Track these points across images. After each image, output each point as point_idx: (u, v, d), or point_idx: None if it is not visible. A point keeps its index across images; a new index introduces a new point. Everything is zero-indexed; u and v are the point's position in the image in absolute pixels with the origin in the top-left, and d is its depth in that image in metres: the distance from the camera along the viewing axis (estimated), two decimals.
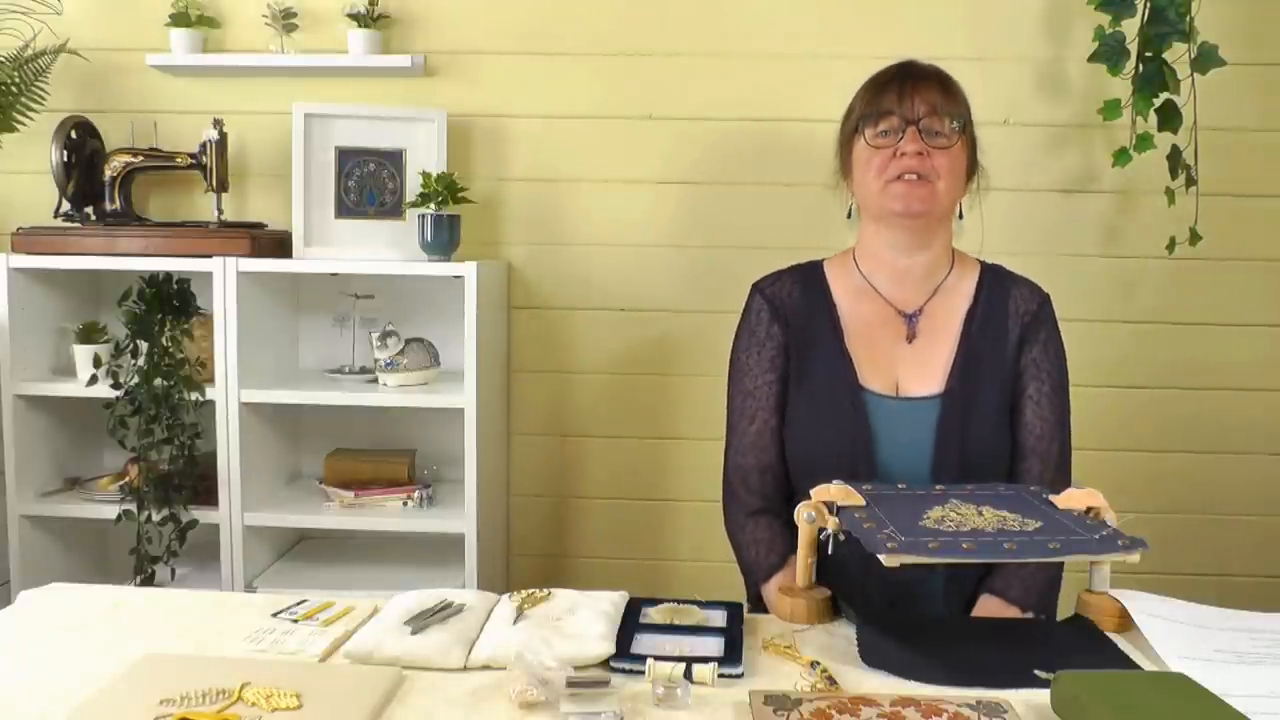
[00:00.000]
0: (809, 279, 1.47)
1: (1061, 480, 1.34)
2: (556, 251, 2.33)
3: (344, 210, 2.20)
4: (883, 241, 1.42)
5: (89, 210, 2.21)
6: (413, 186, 2.15)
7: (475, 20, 2.28)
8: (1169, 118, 2.08)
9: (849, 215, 1.46)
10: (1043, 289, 1.46)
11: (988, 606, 1.32)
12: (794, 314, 1.44)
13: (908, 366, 1.39)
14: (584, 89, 2.29)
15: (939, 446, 1.33)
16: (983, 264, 1.47)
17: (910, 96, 1.34)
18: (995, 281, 1.44)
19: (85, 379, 2.06)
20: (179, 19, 2.23)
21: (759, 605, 1.39)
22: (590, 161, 2.30)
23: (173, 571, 2.06)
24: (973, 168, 1.42)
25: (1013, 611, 1.31)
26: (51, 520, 2.14)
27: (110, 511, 2.05)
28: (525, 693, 0.91)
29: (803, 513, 1.14)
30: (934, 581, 1.35)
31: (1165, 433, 2.29)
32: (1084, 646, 1.05)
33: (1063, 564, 1.32)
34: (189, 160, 2.22)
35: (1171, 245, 2.14)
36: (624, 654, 1.01)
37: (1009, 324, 1.41)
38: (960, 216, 1.42)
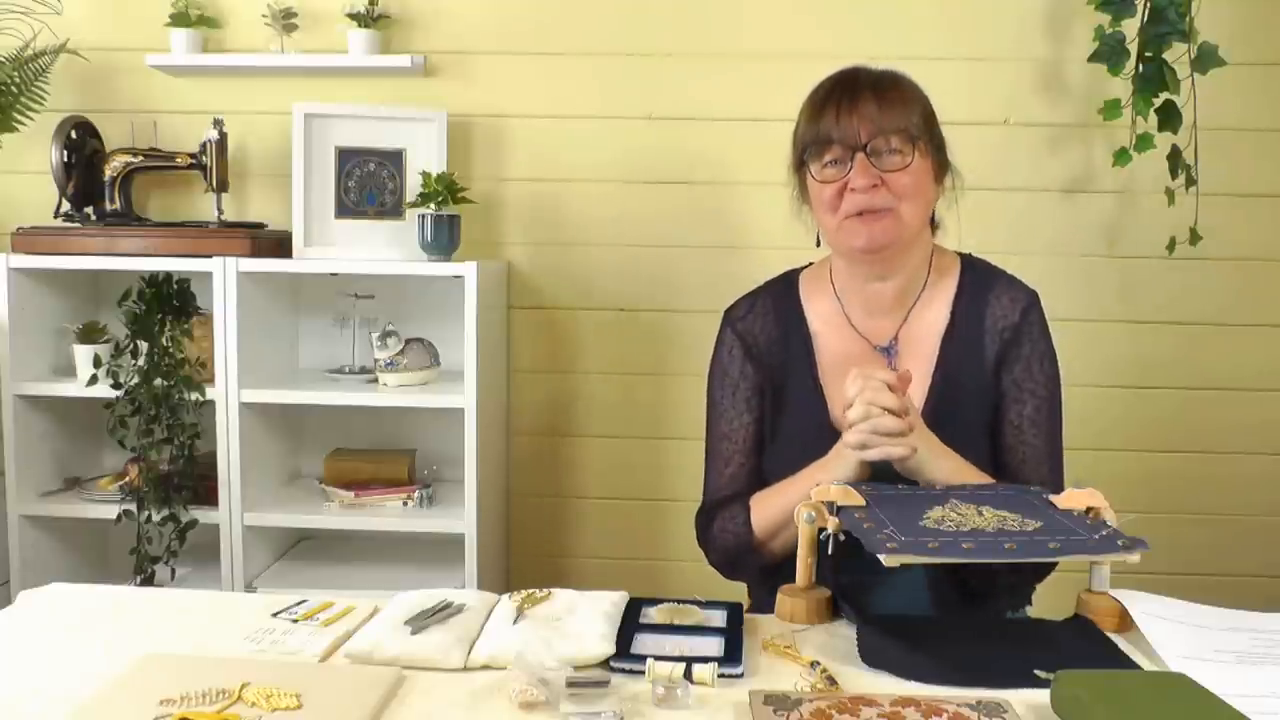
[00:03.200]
0: (784, 305, 1.40)
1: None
2: (556, 251, 2.33)
3: (344, 210, 2.20)
4: (851, 272, 1.35)
5: (89, 210, 2.21)
6: (413, 186, 2.15)
7: (475, 20, 2.29)
8: (1169, 118, 2.08)
9: (818, 243, 1.38)
10: (1028, 289, 1.36)
11: None
12: (768, 350, 1.38)
13: None
14: (584, 89, 2.29)
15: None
16: (962, 263, 1.38)
17: (849, 117, 1.24)
18: (974, 290, 1.35)
19: (85, 379, 2.06)
20: (179, 19, 2.24)
21: (761, 606, 1.38)
22: (590, 161, 2.30)
23: (173, 571, 2.06)
24: (941, 170, 1.32)
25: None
26: (51, 520, 2.15)
27: (110, 511, 2.06)
28: (525, 693, 0.91)
29: (803, 513, 1.14)
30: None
31: (1165, 432, 2.29)
32: (1084, 646, 1.05)
33: None
34: (189, 160, 2.22)
35: (1171, 245, 2.14)
36: (624, 654, 1.01)
37: (985, 341, 1.32)
38: (935, 224, 1.35)
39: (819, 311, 1.39)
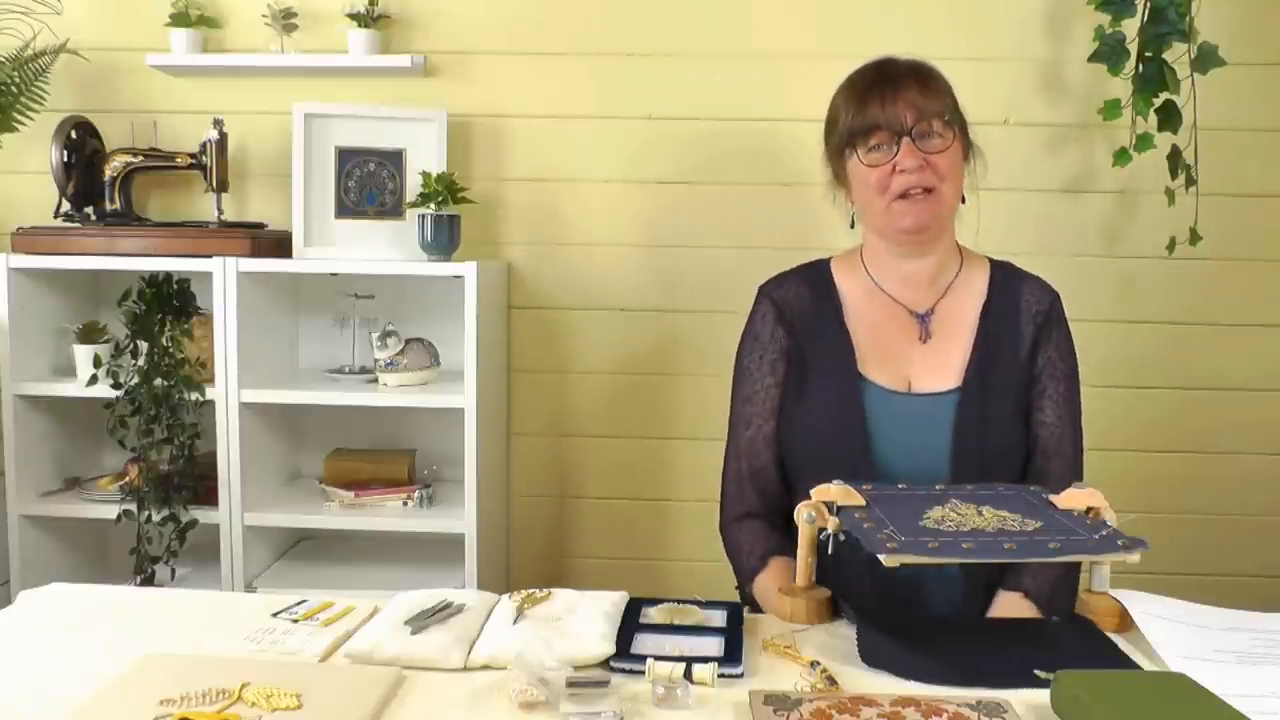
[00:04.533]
0: (816, 279, 1.46)
1: (1079, 479, 1.35)
2: (556, 251, 2.33)
3: (344, 210, 2.20)
4: (888, 250, 1.41)
5: (89, 210, 2.21)
6: (413, 186, 2.15)
7: (475, 20, 2.28)
8: (1169, 118, 2.08)
9: (851, 225, 1.44)
10: (1052, 286, 1.44)
11: (1003, 603, 1.30)
12: (800, 315, 1.43)
13: (920, 365, 1.37)
14: (584, 89, 2.29)
15: (958, 442, 1.31)
16: (992, 261, 1.46)
17: (894, 103, 1.31)
18: (1006, 279, 1.43)
19: (85, 379, 2.06)
20: (179, 19, 2.24)
21: (754, 605, 1.39)
22: (590, 161, 2.30)
23: (173, 571, 2.06)
24: (967, 151, 1.39)
25: (1027, 605, 1.28)
26: (51, 520, 2.14)
27: (110, 511, 2.05)
28: (525, 693, 0.91)
29: (803, 513, 1.14)
30: (951, 587, 1.33)
31: (1165, 432, 2.29)
32: (1084, 646, 1.05)
33: (1079, 563, 1.30)
34: (189, 160, 2.22)
35: (1171, 245, 2.14)
36: (624, 654, 1.01)
37: (1022, 322, 1.40)
38: (963, 201, 1.40)
39: (851, 285, 1.44)
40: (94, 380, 2.05)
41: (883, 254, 1.42)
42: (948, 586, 1.32)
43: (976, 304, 1.40)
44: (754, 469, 1.43)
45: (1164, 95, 2.06)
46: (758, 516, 1.43)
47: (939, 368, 1.37)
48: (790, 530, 1.36)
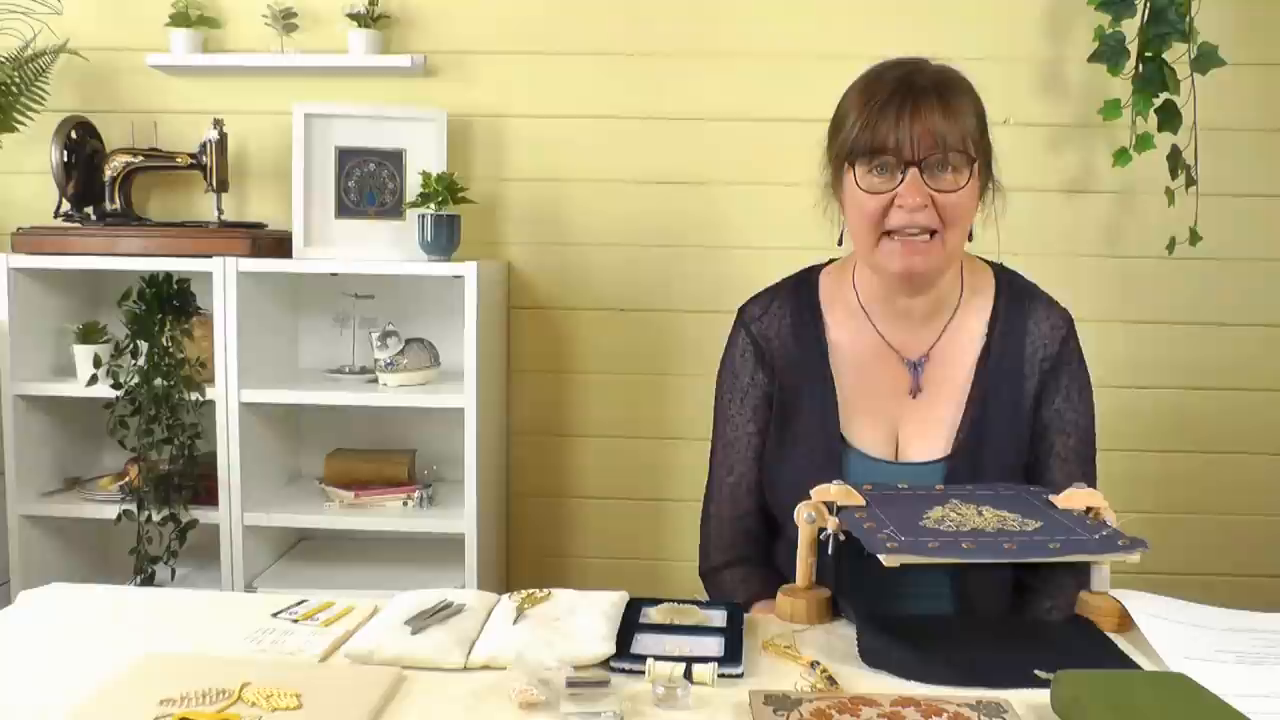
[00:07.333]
0: (802, 304, 1.34)
1: None
2: (556, 251, 2.33)
3: (344, 210, 2.20)
4: (879, 283, 1.28)
5: (89, 210, 2.21)
6: (413, 186, 2.15)
7: (475, 20, 2.29)
8: (1169, 118, 2.08)
9: (839, 242, 1.30)
10: (1065, 313, 1.32)
11: None
12: (783, 355, 1.32)
13: (910, 423, 1.28)
14: (584, 89, 2.29)
15: None
16: (997, 279, 1.33)
17: (910, 126, 1.14)
18: (1010, 313, 1.29)
19: (85, 379, 2.06)
20: (179, 19, 2.24)
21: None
22: (590, 161, 2.30)
23: (173, 571, 2.06)
24: (986, 182, 1.25)
25: None
26: (51, 520, 2.15)
27: (110, 511, 2.06)
28: (525, 693, 0.91)
29: (803, 513, 1.14)
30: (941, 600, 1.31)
31: (1165, 432, 2.29)
32: (1084, 646, 1.05)
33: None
34: (189, 160, 2.22)
35: (1171, 245, 2.14)
36: (624, 654, 1.01)
37: (1024, 371, 1.28)
38: (970, 238, 1.27)
39: (839, 319, 1.33)
40: (94, 380, 2.05)
41: (874, 282, 1.29)
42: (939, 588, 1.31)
43: (975, 348, 1.28)
44: (737, 515, 1.37)
45: (1164, 95, 2.07)
46: (739, 563, 1.37)
47: (930, 426, 1.27)
48: (775, 573, 1.32)
